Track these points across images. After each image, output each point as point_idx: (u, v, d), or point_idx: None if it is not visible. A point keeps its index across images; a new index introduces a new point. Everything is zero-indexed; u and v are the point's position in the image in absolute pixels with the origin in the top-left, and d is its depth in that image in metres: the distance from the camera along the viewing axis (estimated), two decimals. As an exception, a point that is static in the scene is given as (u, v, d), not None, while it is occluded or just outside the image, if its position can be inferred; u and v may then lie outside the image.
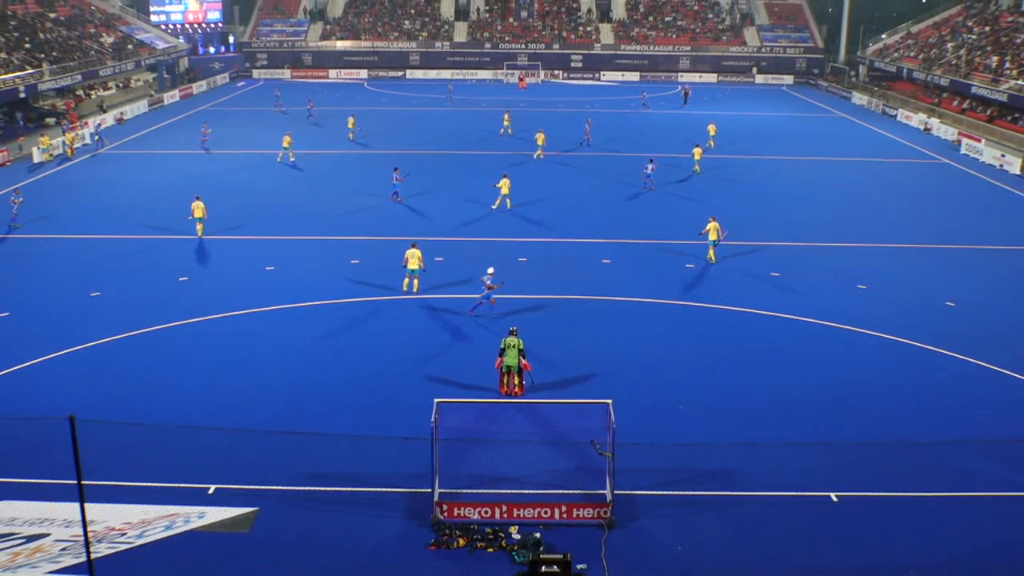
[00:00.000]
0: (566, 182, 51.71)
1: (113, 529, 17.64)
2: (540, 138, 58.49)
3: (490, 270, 30.53)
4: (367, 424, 23.29)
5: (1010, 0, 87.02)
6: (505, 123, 66.40)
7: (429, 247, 35.81)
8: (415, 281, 32.64)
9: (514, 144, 62.38)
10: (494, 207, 44.68)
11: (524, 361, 24.83)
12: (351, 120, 64.47)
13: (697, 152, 53.75)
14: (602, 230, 41.54)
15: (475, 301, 30.71)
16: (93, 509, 14.39)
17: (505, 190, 44.45)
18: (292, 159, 56.08)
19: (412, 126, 71.92)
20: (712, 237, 36.26)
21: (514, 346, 24.63)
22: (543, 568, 16.65)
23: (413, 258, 32.16)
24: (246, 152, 59.71)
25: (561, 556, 16.94)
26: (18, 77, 64.04)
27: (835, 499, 20.60)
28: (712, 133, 62.60)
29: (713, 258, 36.65)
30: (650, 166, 49.27)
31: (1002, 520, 19.93)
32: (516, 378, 24.92)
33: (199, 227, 39.39)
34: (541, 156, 57.77)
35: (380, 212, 44.48)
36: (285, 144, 56.23)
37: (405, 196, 46.62)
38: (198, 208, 39.19)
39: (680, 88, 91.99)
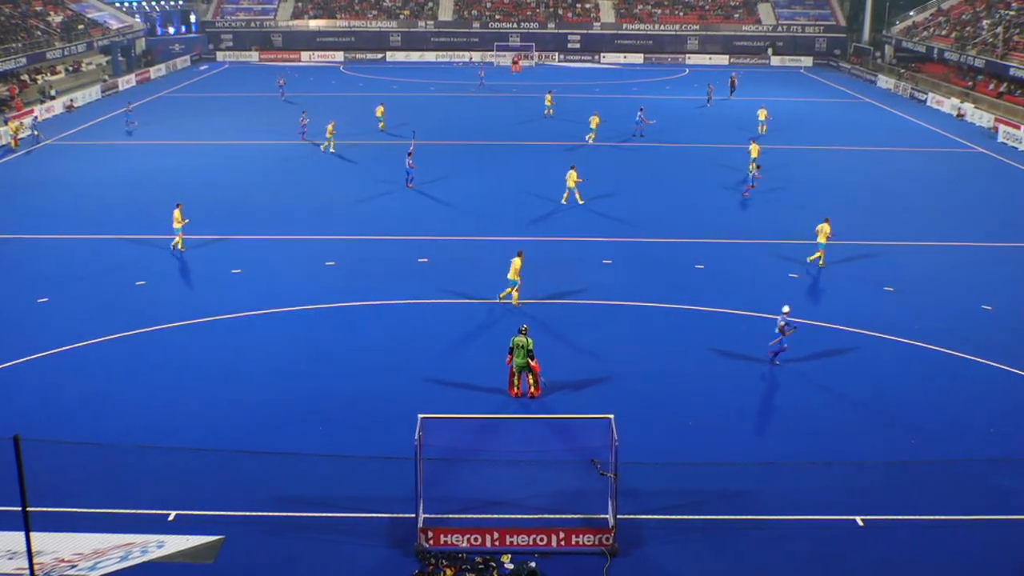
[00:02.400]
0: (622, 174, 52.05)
1: (63, 561, 17.55)
2: (594, 121, 60.27)
3: (785, 308, 28.18)
4: (346, 442, 23.21)
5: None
6: (547, 103, 70.41)
7: (436, 245, 35.75)
8: (513, 292, 32.01)
9: (558, 132, 63.33)
10: (564, 200, 45.19)
11: (533, 362, 25.10)
12: (380, 109, 64.11)
13: (754, 149, 51.44)
14: (608, 230, 41.64)
15: (775, 347, 28.33)
16: (40, 539, 14.29)
17: (570, 183, 44.87)
18: (333, 149, 56.18)
19: (425, 113, 71.65)
20: (821, 240, 36.06)
21: (522, 346, 24.93)
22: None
23: (512, 268, 31.46)
24: (223, 143, 59.75)
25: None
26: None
27: (861, 523, 20.59)
28: (762, 119, 63.06)
29: (820, 262, 36.45)
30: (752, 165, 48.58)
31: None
32: (530, 378, 25.27)
33: (177, 239, 37.69)
34: (591, 140, 59.76)
35: (389, 206, 44.67)
36: (328, 133, 56.36)
37: (418, 183, 47.87)
38: (176, 218, 37.16)
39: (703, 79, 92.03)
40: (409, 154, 47.72)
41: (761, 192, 47.85)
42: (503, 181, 50.13)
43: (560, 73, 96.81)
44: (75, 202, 45.63)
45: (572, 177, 44.69)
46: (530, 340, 25.09)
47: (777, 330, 27.91)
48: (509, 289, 31.99)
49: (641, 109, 64.29)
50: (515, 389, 25.48)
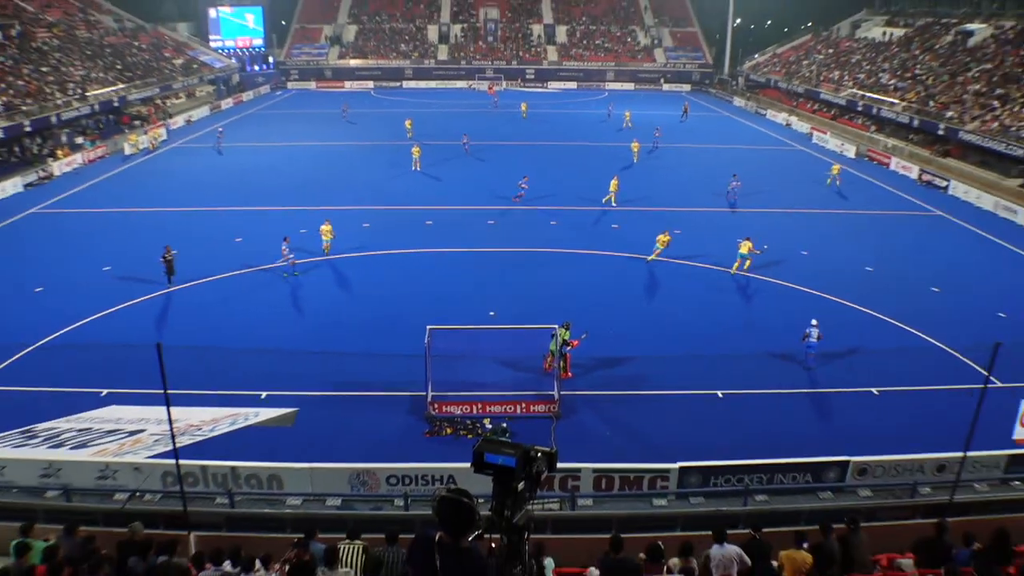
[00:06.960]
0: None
1: (192, 426, 17.53)
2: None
3: (814, 322, 22.70)
4: (378, 345, 23.19)
5: (847, 30, 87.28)
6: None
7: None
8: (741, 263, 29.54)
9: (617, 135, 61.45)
10: (605, 201, 39.43)
11: (572, 341, 21.46)
12: (408, 122, 59.08)
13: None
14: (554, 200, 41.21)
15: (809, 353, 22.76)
16: (177, 412, 14.29)
17: (613, 187, 39.03)
18: (419, 168, 46.56)
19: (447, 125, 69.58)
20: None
21: (556, 336, 21.01)
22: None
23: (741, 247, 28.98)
24: (301, 144, 58.51)
25: (549, 449, 16.68)
26: (113, 91, 62.78)
27: (720, 396, 20.95)
28: (835, 172, 45.94)
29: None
30: (734, 182, 41.19)
31: (849, 408, 20.46)
32: (563, 362, 21.29)
33: (325, 246, 31.54)
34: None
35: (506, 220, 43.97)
36: (415, 155, 46.99)
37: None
38: (326, 232, 31.48)
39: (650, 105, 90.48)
40: (525, 178, 40.99)
41: (651, 176, 47.50)
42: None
43: (522, 95, 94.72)
44: (193, 186, 44.19)
45: (614, 185, 39.10)
46: (568, 332, 21.35)
47: (813, 339, 22.19)
48: (738, 263, 29.69)
49: (657, 129, 59.34)
50: (548, 365, 21.64)
